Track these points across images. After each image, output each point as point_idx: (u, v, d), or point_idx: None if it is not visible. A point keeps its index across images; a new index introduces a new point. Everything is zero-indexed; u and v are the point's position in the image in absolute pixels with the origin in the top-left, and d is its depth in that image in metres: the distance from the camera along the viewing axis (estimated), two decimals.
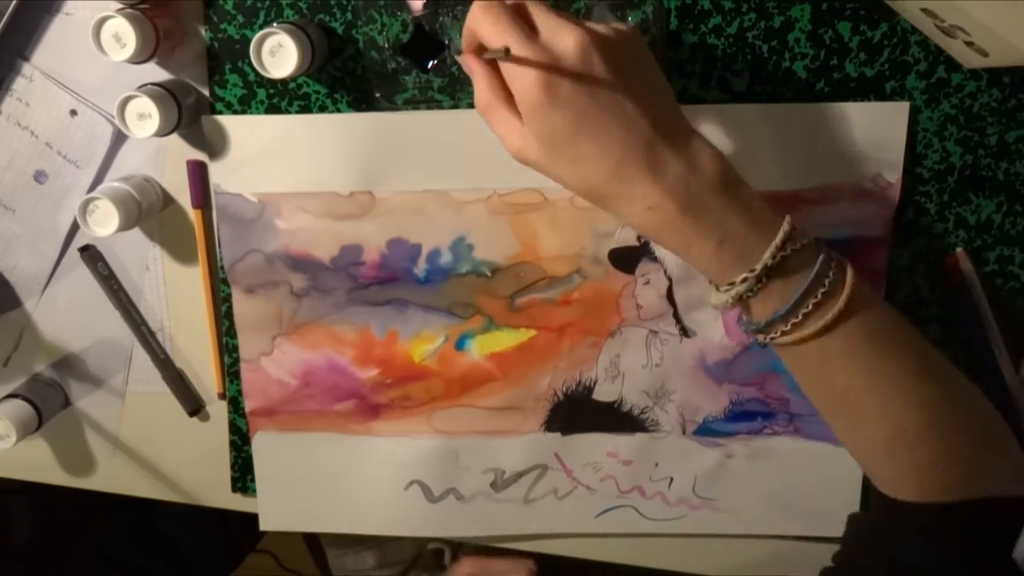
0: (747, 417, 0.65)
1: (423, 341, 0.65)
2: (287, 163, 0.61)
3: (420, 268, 0.63)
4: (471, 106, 0.59)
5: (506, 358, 0.65)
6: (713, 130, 0.59)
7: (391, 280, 0.63)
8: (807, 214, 0.60)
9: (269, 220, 0.62)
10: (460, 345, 0.65)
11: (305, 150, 0.61)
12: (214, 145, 0.61)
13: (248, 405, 0.67)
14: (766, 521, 0.68)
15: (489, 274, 0.63)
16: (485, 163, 0.60)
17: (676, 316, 0.63)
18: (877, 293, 0.62)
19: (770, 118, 0.59)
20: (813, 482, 0.66)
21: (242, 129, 0.61)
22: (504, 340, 0.64)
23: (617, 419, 0.66)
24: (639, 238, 0.62)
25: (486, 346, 0.65)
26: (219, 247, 0.63)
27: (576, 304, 0.63)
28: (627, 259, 0.62)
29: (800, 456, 0.66)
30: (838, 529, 0.67)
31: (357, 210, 0.62)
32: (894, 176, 0.60)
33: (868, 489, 0.66)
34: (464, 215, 0.62)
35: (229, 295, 0.65)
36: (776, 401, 0.65)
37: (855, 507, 0.66)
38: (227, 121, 0.61)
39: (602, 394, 0.65)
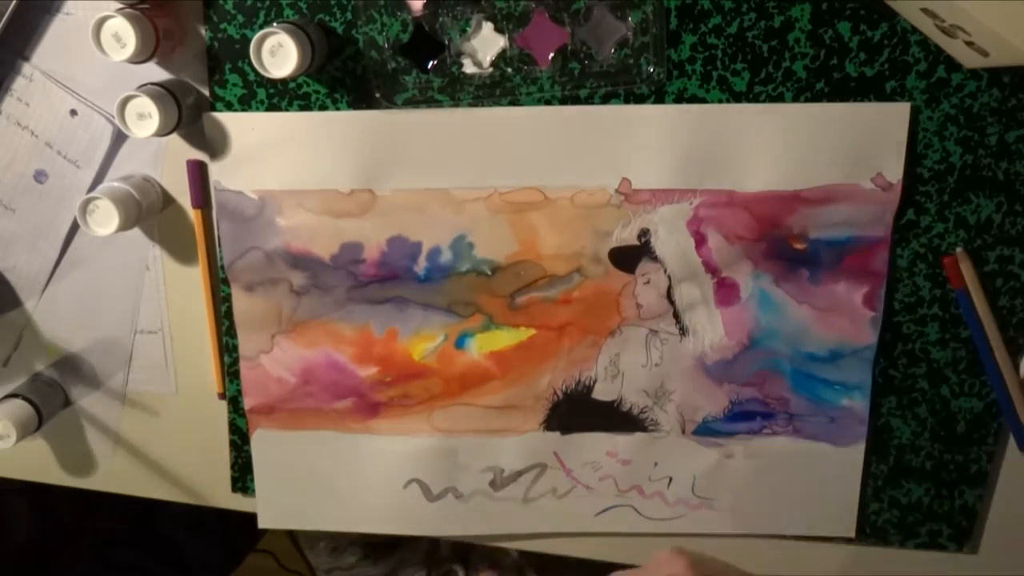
0: (746, 417, 0.65)
1: (423, 339, 0.65)
2: (288, 160, 0.61)
3: (420, 266, 0.63)
4: (471, 106, 0.60)
5: (506, 357, 0.65)
6: (714, 130, 0.59)
7: (391, 278, 0.63)
8: (807, 214, 0.60)
9: (269, 217, 0.62)
10: (460, 344, 0.65)
11: (306, 147, 0.61)
12: (214, 142, 0.61)
13: (247, 403, 0.67)
14: (765, 521, 0.68)
15: (489, 273, 0.63)
16: (486, 162, 0.60)
17: (676, 315, 0.63)
18: (877, 293, 0.62)
19: (770, 118, 0.59)
20: (812, 482, 0.66)
21: (242, 126, 0.61)
22: (504, 339, 0.64)
23: (616, 418, 0.66)
24: (639, 237, 0.62)
25: (486, 345, 0.65)
26: (219, 245, 0.63)
27: (576, 303, 0.63)
28: (627, 259, 0.62)
29: (799, 456, 0.66)
30: (837, 529, 0.68)
31: (357, 208, 0.62)
32: (894, 176, 0.60)
33: (866, 490, 0.67)
34: (464, 213, 0.62)
35: (229, 295, 0.65)
36: (775, 401, 0.65)
37: (854, 507, 0.66)
38: (228, 118, 0.61)
39: (601, 393, 0.65)
